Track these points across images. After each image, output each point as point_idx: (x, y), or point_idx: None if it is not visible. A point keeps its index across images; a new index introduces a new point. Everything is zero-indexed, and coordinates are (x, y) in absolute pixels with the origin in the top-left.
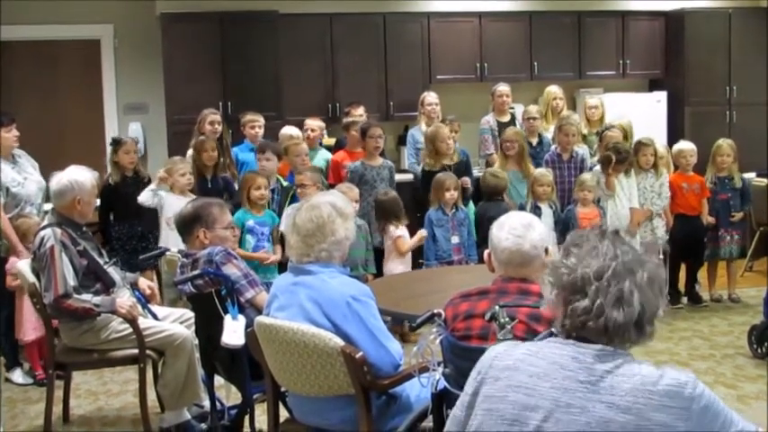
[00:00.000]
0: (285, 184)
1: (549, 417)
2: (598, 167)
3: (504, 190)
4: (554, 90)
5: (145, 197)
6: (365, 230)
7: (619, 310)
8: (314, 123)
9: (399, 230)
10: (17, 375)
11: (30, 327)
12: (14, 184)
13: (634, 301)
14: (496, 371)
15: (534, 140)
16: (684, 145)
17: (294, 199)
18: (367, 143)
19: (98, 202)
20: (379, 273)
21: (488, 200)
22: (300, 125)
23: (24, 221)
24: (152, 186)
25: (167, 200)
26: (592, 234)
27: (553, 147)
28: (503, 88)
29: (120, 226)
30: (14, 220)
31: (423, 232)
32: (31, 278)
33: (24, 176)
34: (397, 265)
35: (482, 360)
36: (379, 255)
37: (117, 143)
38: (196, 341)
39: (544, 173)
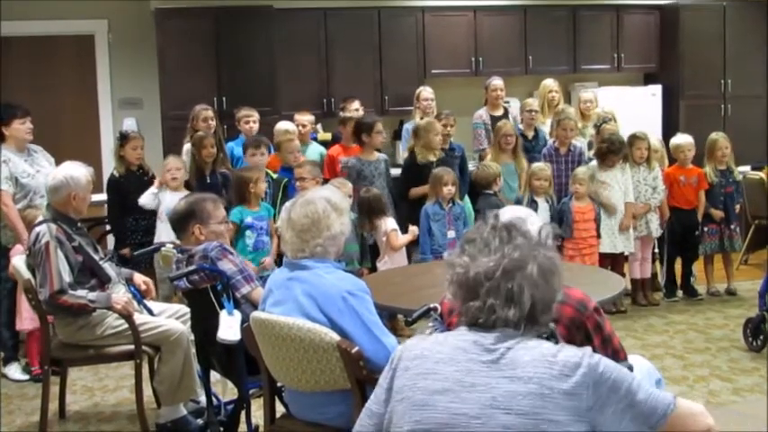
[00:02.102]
0: (275, 176)
1: (456, 398)
2: (594, 162)
3: (494, 179)
4: (550, 83)
5: (146, 200)
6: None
7: (509, 308)
8: (304, 118)
9: (391, 224)
10: (13, 371)
11: (28, 316)
12: (24, 175)
13: (524, 299)
14: (406, 361)
15: (530, 134)
16: (682, 139)
17: (287, 191)
18: (373, 139)
19: (104, 197)
20: (373, 269)
21: (480, 192)
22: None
23: (31, 212)
24: (153, 189)
25: (162, 197)
26: (485, 229)
27: (550, 141)
28: (496, 82)
29: (125, 220)
30: (23, 211)
31: (415, 230)
32: (27, 274)
33: (37, 169)
34: (392, 261)
35: (393, 354)
36: (372, 251)
37: (124, 137)
38: (192, 337)
39: (542, 167)
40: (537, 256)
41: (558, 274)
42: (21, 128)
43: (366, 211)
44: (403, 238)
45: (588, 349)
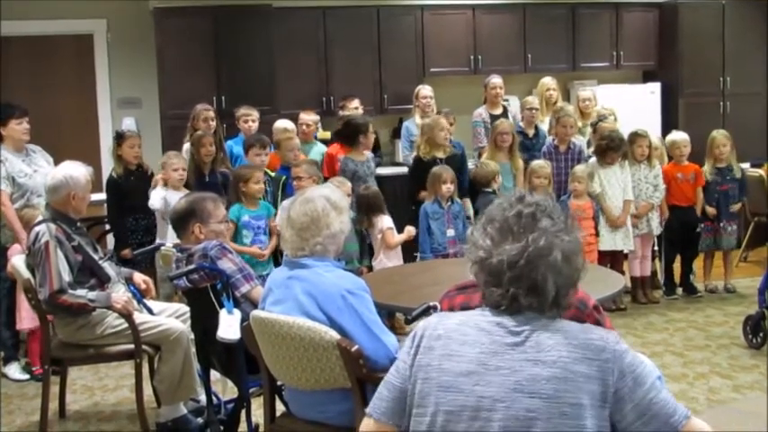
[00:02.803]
0: (273, 175)
1: (480, 380)
2: (593, 159)
3: (492, 177)
4: (547, 81)
5: (158, 204)
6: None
7: (533, 297)
8: (308, 118)
9: (387, 222)
10: (13, 370)
11: (28, 316)
12: (21, 175)
13: (548, 287)
14: (430, 340)
15: (531, 132)
16: (677, 136)
17: (286, 189)
18: (369, 139)
19: (103, 196)
20: (372, 268)
21: (479, 191)
22: (295, 119)
23: (28, 212)
24: (161, 192)
25: (169, 197)
26: (510, 212)
27: (550, 138)
28: (495, 80)
29: (125, 220)
30: (20, 211)
31: (412, 230)
32: (26, 274)
33: (34, 169)
34: (387, 260)
35: (415, 330)
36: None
37: (120, 137)
38: (192, 336)
39: (542, 165)
40: (561, 243)
41: (581, 253)
42: (17, 128)
43: (365, 208)
44: (399, 237)
45: (614, 334)
